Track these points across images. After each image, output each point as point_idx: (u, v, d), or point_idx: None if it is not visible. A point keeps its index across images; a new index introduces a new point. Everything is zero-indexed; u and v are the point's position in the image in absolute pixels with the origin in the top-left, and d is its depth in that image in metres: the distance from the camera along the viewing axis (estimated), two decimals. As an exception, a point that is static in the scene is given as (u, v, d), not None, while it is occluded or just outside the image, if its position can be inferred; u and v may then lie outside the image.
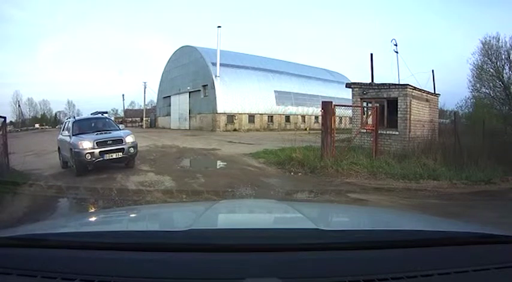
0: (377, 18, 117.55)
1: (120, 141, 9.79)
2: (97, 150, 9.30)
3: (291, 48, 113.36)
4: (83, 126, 10.44)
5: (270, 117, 40.11)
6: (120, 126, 12.05)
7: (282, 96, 40.94)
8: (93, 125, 10.70)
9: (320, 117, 10.80)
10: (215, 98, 36.76)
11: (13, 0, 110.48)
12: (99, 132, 10.08)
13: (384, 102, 12.47)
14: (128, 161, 10.12)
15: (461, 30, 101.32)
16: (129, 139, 10.02)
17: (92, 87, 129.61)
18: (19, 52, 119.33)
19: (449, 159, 9.21)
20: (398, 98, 12.02)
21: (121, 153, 9.67)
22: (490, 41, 22.13)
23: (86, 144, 9.30)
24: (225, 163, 11.73)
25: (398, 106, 12.01)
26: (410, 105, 11.93)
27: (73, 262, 1.07)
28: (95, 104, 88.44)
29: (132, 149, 9.94)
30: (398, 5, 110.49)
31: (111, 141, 9.65)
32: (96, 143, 9.39)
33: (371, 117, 12.21)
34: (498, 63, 21.93)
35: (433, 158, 9.22)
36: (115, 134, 10.19)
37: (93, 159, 9.22)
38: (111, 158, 9.54)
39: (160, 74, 51.05)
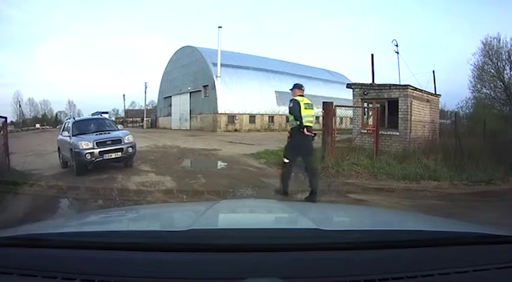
0: (378, 19, 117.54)
1: (119, 141, 9.90)
2: (97, 150, 9.39)
3: (292, 49, 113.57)
4: (83, 126, 10.54)
5: (271, 118, 40.08)
6: (119, 126, 12.23)
7: (282, 97, 40.73)
8: (92, 125, 10.81)
9: (321, 118, 10.79)
10: (216, 98, 36.76)
11: (13, 1, 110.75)
12: (98, 133, 10.19)
13: (384, 103, 12.48)
14: (127, 161, 10.21)
15: (462, 31, 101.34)
16: (128, 139, 10.16)
17: (93, 87, 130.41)
18: (20, 52, 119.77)
19: (450, 159, 9.19)
20: (399, 99, 12.03)
21: (120, 153, 9.77)
22: (490, 41, 22.23)
23: (86, 144, 9.40)
24: (226, 163, 11.73)
25: (399, 107, 12.02)
26: (411, 106, 11.93)
27: (73, 262, 1.07)
28: (95, 104, 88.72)
29: (130, 148, 10.04)
30: (399, 5, 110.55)
31: (110, 142, 9.75)
32: (96, 143, 9.49)
33: (372, 117, 12.22)
34: (499, 63, 21.99)
35: (433, 159, 9.20)
36: (114, 134, 10.33)
37: (93, 159, 9.31)
38: (110, 157, 9.64)
39: (161, 74, 51.10)
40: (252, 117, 38.71)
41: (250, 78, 39.40)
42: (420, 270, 1.04)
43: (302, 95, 6.52)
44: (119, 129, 11.17)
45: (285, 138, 6.86)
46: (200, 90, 39.89)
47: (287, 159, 6.47)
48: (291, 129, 6.45)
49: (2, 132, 9.11)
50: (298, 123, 6.26)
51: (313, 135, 6.49)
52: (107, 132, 10.44)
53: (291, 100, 6.42)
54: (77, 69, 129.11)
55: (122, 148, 9.81)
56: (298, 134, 6.29)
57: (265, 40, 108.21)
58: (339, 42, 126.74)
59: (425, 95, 13.74)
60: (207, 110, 38.26)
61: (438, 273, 1.03)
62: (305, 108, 6.31)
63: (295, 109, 6.25)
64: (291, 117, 6.38)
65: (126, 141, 10.00)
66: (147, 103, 59.60)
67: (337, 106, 10.20)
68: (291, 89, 6.75)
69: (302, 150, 6.41)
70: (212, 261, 1.05)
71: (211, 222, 1.53)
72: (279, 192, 6.48)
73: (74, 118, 11.80)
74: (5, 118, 9.55)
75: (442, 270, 1.04)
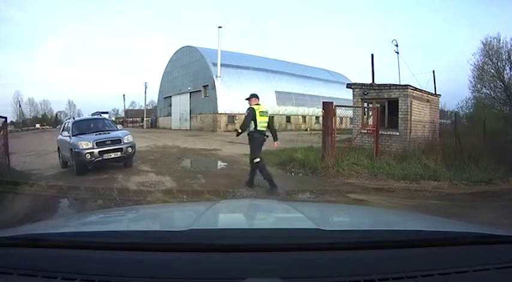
0: (378, 19, 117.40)
1: (118, 141, 9.91)
2: (96, 150, 9.39)
3: (292, 49, 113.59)
4: (82, 126, 10.55)
5: (271, 118, 39.99)
6: (119, 126, 12.25)
7: (282, 97, 40.88)
8: (92, 125, 10.83)
9: (321, 118, 10.79)
10: (216, 98, 36.76)
11: (13, 1, 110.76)
12: (98, 133, 10.20)
13: (384, 103, 12.46)
14: (126, 161, 10.22)
15: (463, 31, 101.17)
16: (127, 139, 10.17)
17: (93, 87, 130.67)
18: (20, 52, 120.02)
19: (450, 159, 9.18)
20: (399, 99, 12.02)
21: (119, 153, 9.78)
22: (490, 41, 22.19)
23: (86, 144, 9.41)
24: (226, 163, 11.72)
25: (399, 107, 12.01)
26: (411, 106, 11.93)
27: (73, 262, 1.07)
28: (95, 104, 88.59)
29: (130, 148, 10.05)
30: (399, 5, 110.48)
31: (109, 142, 9.76)
32: (96, 143, 9.50)
33: (372, 117, 12.20)
34: (499, 63, 21.96)
35: (433, 159, 9.19)
36: (113, 134, 10.34)
37: (93, 158, 9.32)
38: (109, 157, 9.65)
39: (161, 74, 51.11)
40: (252, 117, 38.64)
41: (250, 78, 39.37)
42: (420, 270, 1.04)
43: (258, 104, 7.55)
44: (118, 129, 11.19)
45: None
46: (200, 90, 39.88)
47: (256, 158, 7.42)
48: (249, 132, 7.49)
49: (2, 132, 9.09)
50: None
51: (265, 136, 7.64)
52: (107, 132, 10.44)
53: (248, 108, 7.48)
54: (77, 69, 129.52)
55: (122, 148, 9.82)
56: (254, 136, 7.41)
57: (265, 40, 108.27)
58: (339, 42, 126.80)
59: (425, 95, 13.73)
60: (207, 110, 38.25)
61: (438, 273, 1.03)
62: (260, 115, 7.41)
63: (247, 117, 7.43)
64: (250, 123, 7.44)
65: (125, 141, 10.02)
66: (147, 103, 59.71)
67: (337, 106, 10.19)
68: (247, 99, 7.78)
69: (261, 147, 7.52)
70: (212, 261, 1.05)
71: (211, 222, 1.53)
72: (270, 191, 6.83)
73: (73, 118, 11.79)
74: (5, 118, 9.54)
75: (442, 270, 1.04)
